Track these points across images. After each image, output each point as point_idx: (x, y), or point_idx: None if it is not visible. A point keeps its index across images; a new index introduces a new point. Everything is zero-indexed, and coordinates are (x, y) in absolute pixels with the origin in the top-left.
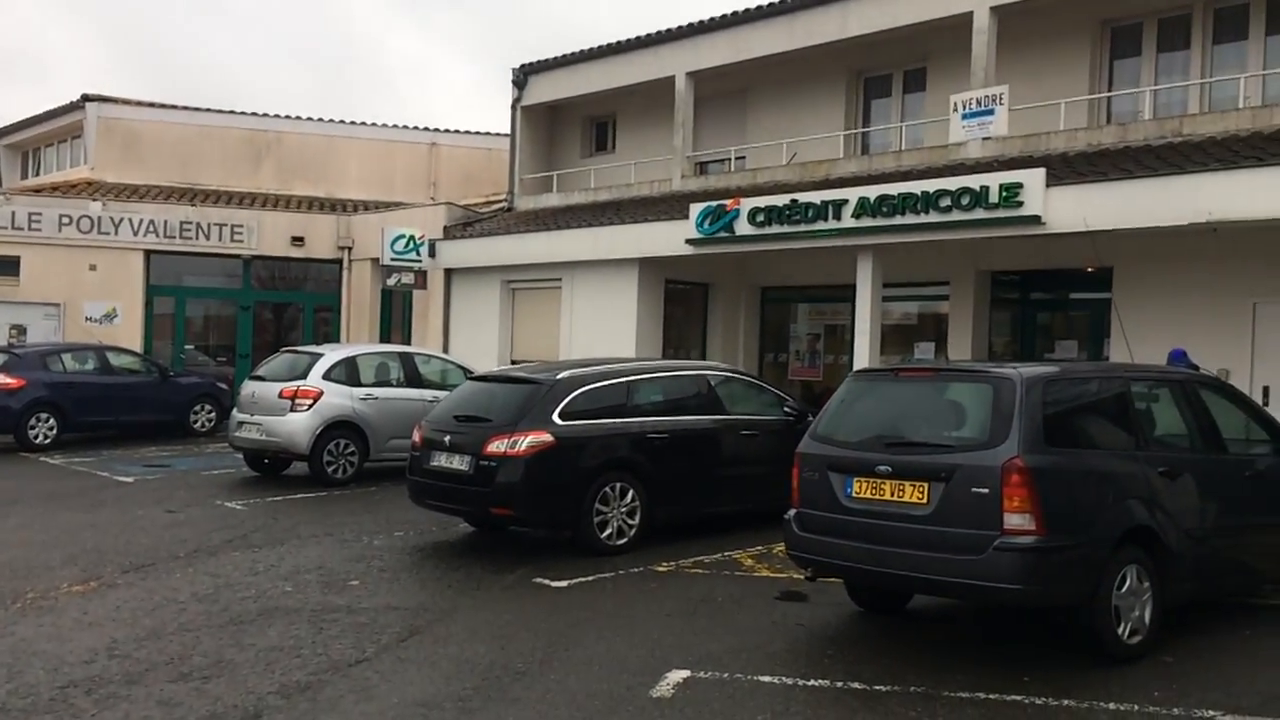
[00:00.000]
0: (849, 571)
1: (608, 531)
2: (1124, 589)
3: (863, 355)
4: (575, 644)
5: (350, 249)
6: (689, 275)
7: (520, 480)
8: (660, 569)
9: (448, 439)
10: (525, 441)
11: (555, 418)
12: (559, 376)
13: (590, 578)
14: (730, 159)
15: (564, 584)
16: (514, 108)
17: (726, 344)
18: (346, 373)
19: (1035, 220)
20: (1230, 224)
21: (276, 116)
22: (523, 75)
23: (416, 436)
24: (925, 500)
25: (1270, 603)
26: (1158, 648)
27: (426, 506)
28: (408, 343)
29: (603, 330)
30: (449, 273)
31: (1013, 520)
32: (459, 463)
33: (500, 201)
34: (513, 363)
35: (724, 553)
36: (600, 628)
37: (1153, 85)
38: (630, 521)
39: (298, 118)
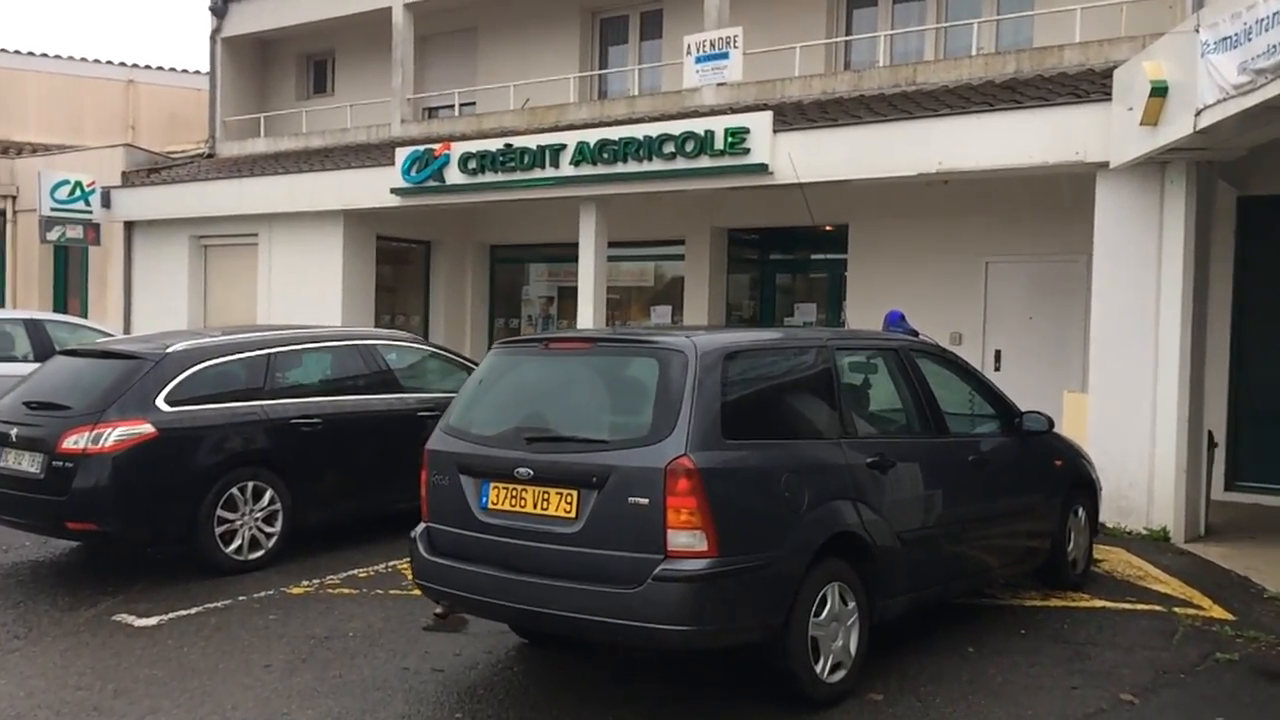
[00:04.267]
0: (485, 608)
1: (236, 544)
2: (823, 615)
3: (586, 319)
4: None
5: (15, 198)
6: (407, 232)
7: (107, 485)
8: (296, 591)
9: (14, 433)
10: (113, 435)
11: (160, 403)
12: (169, 349)
13: (195, 609)
14: (457, 103)
15: (152, 621)
16: (213, 39)
17: (452, 308)
18: None
19: (763, 169)
20: (961, 174)
21: None
22: (222, 2)
23: None
24: (574, 514)
25: (1000, 602)
26: (866, 681)
27: None
28: (84, 309)
29: (306, 293)
30: (129, 226)
31: (679, 539)
32: (28, 463)
33: None
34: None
35: (389, 562)
36: (160, 693)
37: (889, 31)
38: (268, 529)
39: None
